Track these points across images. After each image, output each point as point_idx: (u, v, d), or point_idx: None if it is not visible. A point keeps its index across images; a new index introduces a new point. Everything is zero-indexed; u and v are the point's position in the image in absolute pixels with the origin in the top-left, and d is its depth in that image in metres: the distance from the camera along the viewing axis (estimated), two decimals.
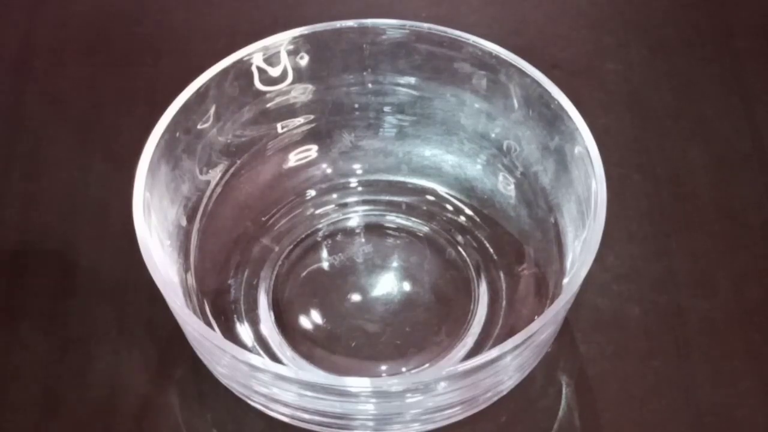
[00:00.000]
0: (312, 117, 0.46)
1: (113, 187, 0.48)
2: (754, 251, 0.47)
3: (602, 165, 0.39)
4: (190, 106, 0.41)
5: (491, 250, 0.46)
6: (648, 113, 0.51)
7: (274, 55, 0.43)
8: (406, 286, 0.45)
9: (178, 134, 0.41)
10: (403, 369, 0.43)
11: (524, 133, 0.43)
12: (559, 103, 0.41)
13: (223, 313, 0.43)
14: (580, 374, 0.44)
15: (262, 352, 0.43)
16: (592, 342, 0.44)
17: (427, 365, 0.43)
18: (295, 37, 0.43)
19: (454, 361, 0.43)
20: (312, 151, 0.47)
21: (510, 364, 0.37)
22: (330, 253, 0.46)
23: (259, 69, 0.43)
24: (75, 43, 0.54)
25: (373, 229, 0.47)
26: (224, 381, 0.40)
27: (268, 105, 0.45)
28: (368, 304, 0.45)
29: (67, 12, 0.55)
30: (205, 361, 0.40)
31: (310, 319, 0.44)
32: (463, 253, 0.46)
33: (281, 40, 0.43)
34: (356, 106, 0.46)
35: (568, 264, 0.41)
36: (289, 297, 0.45)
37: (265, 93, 0.44)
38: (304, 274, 0.46)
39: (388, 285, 0.45)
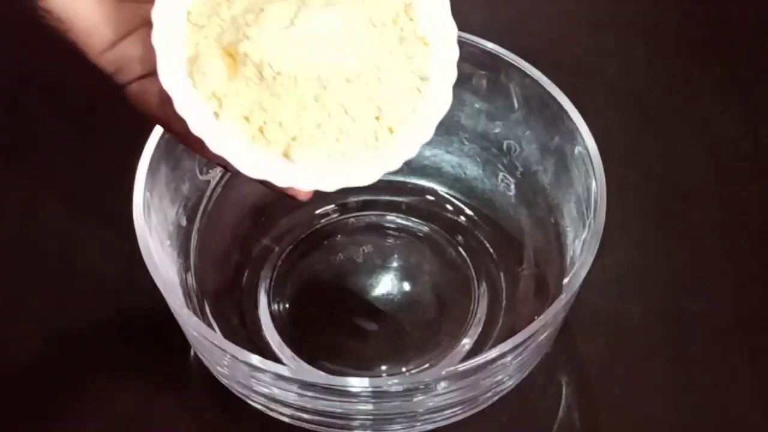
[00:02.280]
0: None
1: (113, 187, 0.48)
2: (755, 252, 0.47)
3: (602, 165, 0.39)
4: None
5: (491, 250, 0.46)
6: (648, 113, 0.51)
7: None
8: (406, 286, 0.45)
9: None
10: (403, 369, 0.43)
11: (524, 133, 0.43)
12: (559, 103, 0.41)
13: (223, 313, 0.43)
14: (580, 374, 0.44)
15: (262, 352, 0.43)
16: (592, 342, 0.44)
17: (427, 365, 0.43)
18: None
19: (454, 361, 0.43)
20: None
21: (510, 364, 0.37)
22: (330, 253, 0.46)
23: None
24: None
25: (373, 229, 0.47)
26: (224, 381, 0.40)
27: None
28: (368, 304, 0.45)
29: None
30: (205, 361, 0.40)
31: (310, 319, 0.44)
32: (463, 253, 0.46)
33: None
34: None
35: (568, 264, 0.41)
36: (289, 297, 0.45)
37: None
38: (304, 274, 0.46)
39: (388, 285, 0.45)
